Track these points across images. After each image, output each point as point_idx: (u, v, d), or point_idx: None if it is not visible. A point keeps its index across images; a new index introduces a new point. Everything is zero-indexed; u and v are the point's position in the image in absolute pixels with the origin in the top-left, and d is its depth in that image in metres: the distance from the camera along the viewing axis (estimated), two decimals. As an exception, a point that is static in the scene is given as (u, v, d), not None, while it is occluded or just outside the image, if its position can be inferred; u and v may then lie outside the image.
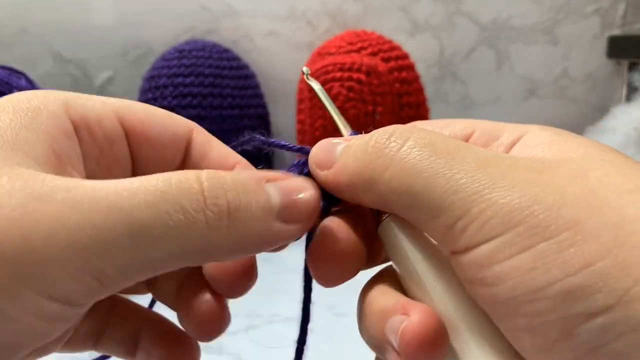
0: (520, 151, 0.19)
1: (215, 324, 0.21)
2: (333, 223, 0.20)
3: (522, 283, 0.15)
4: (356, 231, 0.20)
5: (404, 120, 0.61)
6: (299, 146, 0.22)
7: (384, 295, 0.19)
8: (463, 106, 0.79)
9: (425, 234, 0.19)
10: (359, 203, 0.20)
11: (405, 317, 0.17)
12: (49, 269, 0.15)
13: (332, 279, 0.20)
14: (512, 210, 0.16)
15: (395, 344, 0.17)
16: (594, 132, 0.68)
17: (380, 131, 0.19)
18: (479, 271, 0.16)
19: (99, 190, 0.16)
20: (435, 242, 0.19)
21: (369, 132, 0.20)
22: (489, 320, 0.17)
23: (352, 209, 0.21)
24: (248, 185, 0.17)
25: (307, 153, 0.21)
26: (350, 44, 0.63)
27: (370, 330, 0.19)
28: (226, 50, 0.70)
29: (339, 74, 0.58)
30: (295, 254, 0.23)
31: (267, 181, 0.18)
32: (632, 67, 0.76)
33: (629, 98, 0.76)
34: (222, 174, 0.17)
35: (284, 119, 0.76)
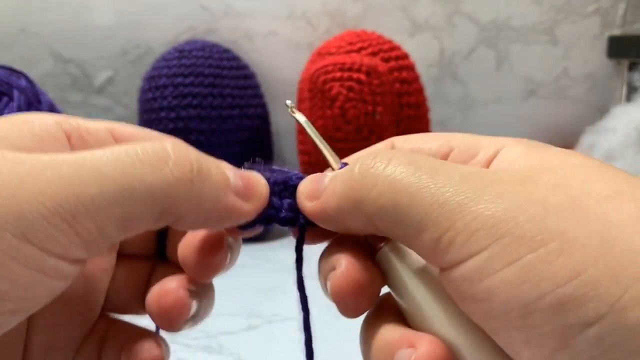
0: (499, 165, 0.20)
1: (177, 310, 0.21)
2: (347, 258, 0.20)
3: (514, 297, 0.15)
4: (366, 259, 0.20)
5: (404, 120, 0.61)
6: (294, 175, 0.22)
7: (387, 330, 0.19)
8: (463, 106, 0.79)
9: (421, 259, 0.19)
10: (345, 231, 0.20)
11: (413, 350, 0.17)
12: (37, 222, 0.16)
13: (361, 310, 0.20)
14: (498, 222, 0.16)
15: None
16: (594, 132, 0.68)
17: (364, 156, 0.19)
18: (470, 287, 0.16)
19: (81, 157, 0.17)
20: (424, 260, 0.19)
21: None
22: (492, 341, 0.17)
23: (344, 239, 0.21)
24: (209, 159, 0.20)
25: (295, 183, 0.22)
26: (350, 44, 0.63)
27: None
28: (226, 50, 0.70)
29: (339, 74, 0.58)
30: (295, 255, 0.23)
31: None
32: (632, 67, 0.76)
33: (629, 98, 0.76)
34: (186, 146, 0.20)
35: (284, 119, 0.76)
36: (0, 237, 0.15)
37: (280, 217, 0.21)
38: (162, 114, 0.65)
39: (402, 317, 0.20)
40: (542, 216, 0.15)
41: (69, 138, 0.21)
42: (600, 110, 0.78)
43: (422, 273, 0.19)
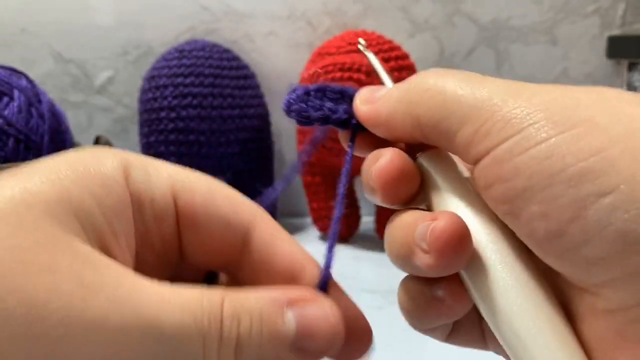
0: None
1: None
2: (392, 150, 0.21)
3: (538, 171, 0.17)
4: (407, 157, 0.22)
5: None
6: (350, 88, 0.24)
7: (410, 213, 0.21)
8: (463, 106, 0.79)
9: (453, 168, 0.21)
10: (393, 138, 0.22)
11: (433, 222, 0.19)
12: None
13: (400, 197, 0.21)
14: (532, 111, 0.17)
15: (424, 243, 0.19)
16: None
17: (419, 73, 0.21)
18: (499, 168, 0.18)
19: (141, 297, 0.15)
20: (457, 166, 0.21)
21: None
22: (509, 234, 0.19)
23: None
24: (264, 312, 0.17)
25: (350, 95, 0.24)
26: (350, 44, 0.63)
27: (399, 240, 0.20)
28: (226, 50, 0.70)
29: (339, 74, 0.58)
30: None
31: (290, 305, 0.17)
32: (631, 67, 0.76)
33: (628, 98, 0.76)
34: (242, 301, 0.17)
35: (284, 119, 0.76)
36: None
37: (334, 117, 0.23)
38: (162, 113, 0.65)
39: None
40: (575, 107, 0.17)
41: (131, 202, 0.19)
42: (600, 110, 0.78)
43: (453, 175, 0.21)
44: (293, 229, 0.72)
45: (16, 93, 0.50)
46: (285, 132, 0.77)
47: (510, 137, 0.17)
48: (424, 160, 0.22)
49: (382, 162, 0.21)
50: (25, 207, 0.15)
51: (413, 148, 0.22)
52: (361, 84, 0.57)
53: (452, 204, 0.20)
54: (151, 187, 0.19)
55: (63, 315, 0.14)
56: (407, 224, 0.20)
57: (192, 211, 0.19)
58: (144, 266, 0.19)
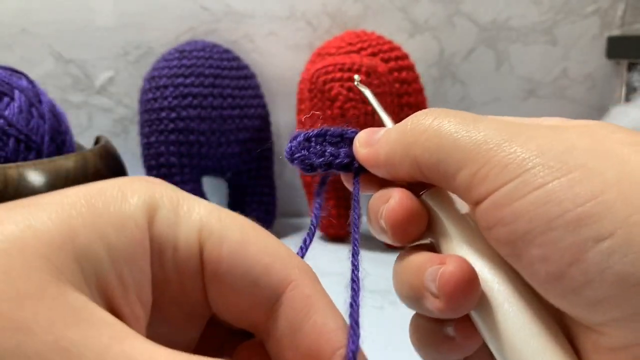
0: None
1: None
2: (400, 191, 0.22)
3: (537, 215, 0.17)
4: (414, 196, 0.22)
5: (403, 121, 0.61)
6: (350, 130, 0.25)
7: (419, 255, 0.21)
8: (463, 106, 0.79)
9: (457, 205, 0.22)
10: (394, 177, 0.23)
11: (442, 266, 0.19)
12: None
13: (410, 237, 0.22)
14: (528, 156, 0.18)
15: (433, 287, 0.19)
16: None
17: (416, 113, 0.22)
18: (499, 212, 0.18)
19: None
20: (462, 201, 0.22)
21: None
22: (514, 274, 0.19)
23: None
24: None
25: (350, 137, 0.24)
26: (350, 44, 0.63)
27: (408, 282, 0.21)
28: (226, 51, 0.70)
29: (339, 75, 0.58)
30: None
31: None
32: (631, 68, 0.76)
33: (628, 98, 0.76)
34: None
35: (284, 119, 0.77)
36: None
37: (336, 162, 0.24)
38: (163, 114, 0.65)
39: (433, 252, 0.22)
40: (569, 152, 0.18)
41: (151, 251, 0.17)
42: (599, 111, 0.78)
43: (456, 214, 0.22)
44: (293, 229, 0.72)
45: (17, 93, 0.50)
46: (285, 132, 0.78)
47: (508, 182, 0.18)
48: (428, 198, 0.23)
49: (391, 203, 0.21)
50: (19, 249, 0.13)
51: (415, 185, 0.23)
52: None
53: (458, 246, 0.21)
54: (177, 232, 0.17)
55: None
56: (416, 267, 0.21)
57: (217, 264, 0.17)
58: (165, 320, 0.17)
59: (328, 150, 0.24)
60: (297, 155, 0.24)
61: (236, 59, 0.71)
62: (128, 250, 0.16)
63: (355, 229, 0.22)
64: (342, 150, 0.24)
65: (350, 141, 0.24)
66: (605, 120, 0.67)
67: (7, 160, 0.46)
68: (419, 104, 0.62)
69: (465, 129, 0.20)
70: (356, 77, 0.28)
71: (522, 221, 0.17)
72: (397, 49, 0.64)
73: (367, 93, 0.27)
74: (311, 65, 0.65)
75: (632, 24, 0.77)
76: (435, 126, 0.20)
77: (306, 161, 0.24)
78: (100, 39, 0.75)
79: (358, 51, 0.62)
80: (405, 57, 0.63)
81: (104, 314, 0.14)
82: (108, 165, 0.50)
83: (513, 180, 0.18)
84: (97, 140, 0.59)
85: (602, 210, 0.16)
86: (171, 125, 0.65)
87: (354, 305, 0.17)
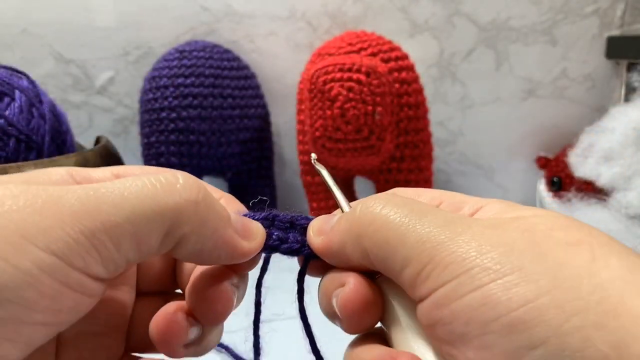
0: (480, 217, 0.22)
1: (173, 334, 0.22)
2: (355, 276, 0.22)
3: (473, 318, 0.17)
4: (369, 281, 0.22)
5: (403, 121, 0.61)
6: (300, 216, 0.25)
7: (372, 348, 0.21)
8: (462, 106, 0.79)
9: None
10: (345, 266, 0.22)
11: None
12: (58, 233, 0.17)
13: (364, 326, 0.22)
14: (468, 256, 0.18)
15: None
16: (592, 132, 0.68)
17: (366, 199, 0.22)
18: (438, 312, 0.18)
19: (97, 185, 0.19)
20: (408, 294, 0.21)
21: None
22: None
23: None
24: (215, 193, 0.21)
25: (301, 224, 0.24)
26: (350, 44, 0.63)
27: None
28: (226, 51, 0.70)
29: (339, 75, 0.58)
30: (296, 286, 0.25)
31: None
32: (630, 68, 0.76)
33: (627, 98, 0.76)
34: (195, 177, 0.21)
35: (284, 119, 0.77)
36: (28, 250, 0.16)
37: (284, 247, 0.23)
38: (163, 114, 0.66)
39: (385, 343, 0.22)
40: (508, 254, 0.18)
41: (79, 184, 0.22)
42: (599, 111, 0.78)
43: (411, 303, 0.21)
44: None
45: (17, 93, 0.50)
46: (285, 132, 0.78)
47: (448, 282, 0.18)
48: (383, 282, 0.22)
49: (347, 291, 0.21)
50: None
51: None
52: (361, 84, 0.58)
53: (413, 340, 0.20)
54: (95, 173, 0.25)
55: None
56: None
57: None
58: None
59: (275, 234, 0.24)
60: None
61: (236, 59, 0.71)
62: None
63: (304, 315, 0.23)
64: (291, 235, 0.24)
65: (300, 227, 0.24)
66: (605, 120, 0.67)
67: (7, 160, 0.46)
68: (419, 104, 0.62)
69: (412, 222, 0.20)
70: (313, 155, 0.28)
71: (459, 322, 0.18)
72: (397, 49, 0.64)
73: (324, 173, 0.27)
74: (311, 65, 0.65)
75: (631, 24, 0.77)
76: (383, 216, 0.20)
77: None
78: (100, 39, 0.75)
79: (358, 51, 0.62)
80: (405, 57, 0.64)
81: None
82: (108, 165, 0.50)
83: (452, 281, 0.18)
84: (98, 140, 0.59)
85: (536, 317, 0.16)
86: (171, 126, 0.65)
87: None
